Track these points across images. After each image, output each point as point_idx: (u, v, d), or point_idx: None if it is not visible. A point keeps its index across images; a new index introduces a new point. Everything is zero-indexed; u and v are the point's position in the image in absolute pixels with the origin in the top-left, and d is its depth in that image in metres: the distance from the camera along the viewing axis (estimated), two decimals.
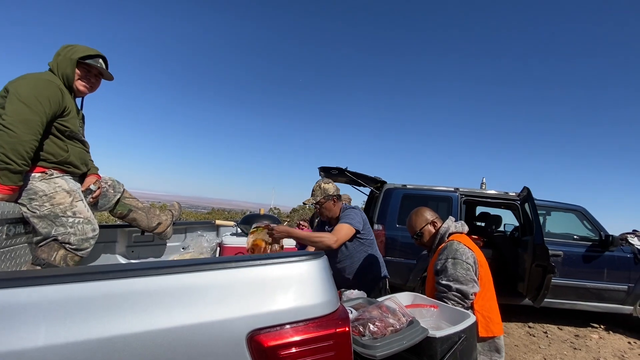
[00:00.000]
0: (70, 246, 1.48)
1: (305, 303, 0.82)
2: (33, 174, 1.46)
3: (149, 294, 0.72)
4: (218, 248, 2.27)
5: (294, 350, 0.78)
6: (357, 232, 2.08)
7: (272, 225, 2.04)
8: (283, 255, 0.86)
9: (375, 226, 4.09)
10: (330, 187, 2.19)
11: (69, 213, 1.49)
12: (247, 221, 2.32)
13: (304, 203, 2.58)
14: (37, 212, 1.43)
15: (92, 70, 1.70)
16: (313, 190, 2.24)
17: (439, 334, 1.07)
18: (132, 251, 2.31)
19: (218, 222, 2.55)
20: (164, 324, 0.70)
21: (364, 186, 4.62)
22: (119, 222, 2.09)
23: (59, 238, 1.46)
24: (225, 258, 0.82)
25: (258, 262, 0.81)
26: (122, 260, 2.26)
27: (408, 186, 4.26)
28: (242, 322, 0.75)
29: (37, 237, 1.48)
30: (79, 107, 1.76)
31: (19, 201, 1.43)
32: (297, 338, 0.78)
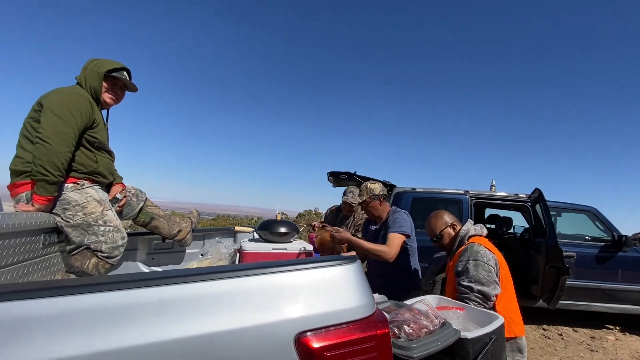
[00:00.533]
0: (102, 254, 1.52)
1: (346, 306, 0.85)
2: (66, 185, 1.51)
3: (201, 299, 0.75)
4: (238, 254, 2.30)
5: (338, 351, 0.80)
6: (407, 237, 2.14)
7: (334, 231, 2.21)
8: (322, 259, 0.89)
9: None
10: (377, 187, 2.24)
11: (100, 222, 1.53)
12: (266, 227, 2.34)
13: (351, 203, 2.65)
14: (71, 221, 1.48)
15: (118, 83, 1.75)
16: (360, 190, 2.29)
17: (470, 335, 1.09)
18: (153, 258, 2.35)
19: (237, 228, 2.58)
20: (219, 327, 0.73)
21: None
22: (133, 229, 2.14)
23: (92, 246, 1.50)
24: (269, 263, 0.86)
25: (300, 266, 0.85)
26: (144, 268, 2.29)
27: (418, 189, 4.28)
28: (290, 325, 0.78)
29: (70, 245, 1.53)
30: (105, 119, 1.81)
31: (54, 211, 1.48)
32: (341, 340, 0.81)
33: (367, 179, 4.40)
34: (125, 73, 1.77)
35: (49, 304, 0.66)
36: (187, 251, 2.47)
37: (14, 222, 1.20)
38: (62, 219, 1.48)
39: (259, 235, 2.38)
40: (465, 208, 4.11)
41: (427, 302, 1.16)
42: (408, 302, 1.34)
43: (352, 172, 4.30)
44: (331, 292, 0.85)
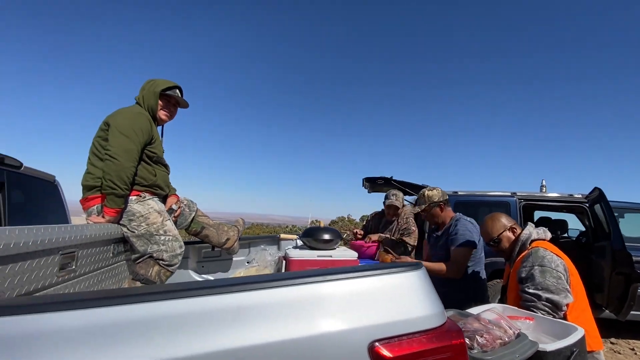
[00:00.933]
0: (163, 262, 1.60)
1: (417, 314, 0.82)
2: (130, 197, 1.61)
3: (277, 305, 0.75)
4: (284, 262, 2.33)
5: None
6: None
7: (396, 257, 2.26)
8: (389, 265, 0.87)
9: (426, 236, 3.97)
10: (435, 193, 2.17)
11: (160, 232, 1.62)
12: (310, 234, 2.35)
13: (397, 205, 2.57)
14: (136, 231, 1.58)
15: (171, 100, 1.86)
16: (417, 198, 2.24)
17: (549, 347, 1.00)
18: (202, 266, 2.44)
19: (282, 235, 2.62)
20: (294, 333, 0.73)
21: (412, 195, 4.51)
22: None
23: (154, 255, 1.59)
24: (338, 269, 0.85)
25: (368, 272, 0.83)
26: (195, 275, 2.39)
27: (459, 193, 4.10)
28: (362, 333, 0.76)
29: (135, 254, 1.62)
30: (161, 134, 1.93)
31: (120, 222, 1.58)
32: (415, 350, 0.78)
33: (404, 184, 4.30)
34: (177, 91, 1.88)
35: (141, 309, 0.70)
36: (234, 259, 2.54)
37: (90, 233, 1.30)
38: (128, 229, 1.58)
39: (303, 242, 2.40)
40: (513, 211, 3.87)
41: (497, 311, 1.09)
42: (472, 310, 1.27)
43: (389, 177, 4.22)
44: (400, 299, 0.83)
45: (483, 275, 2.15)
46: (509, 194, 3.98)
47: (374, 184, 4.57)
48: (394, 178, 4.25)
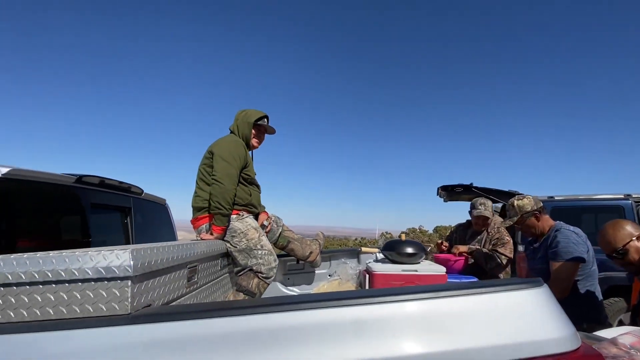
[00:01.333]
0: (261, 275, 1.76)
1: (547, 336, 0.76)
2: (232, 216, 1.82)
3: (397, 321, 0.76)
4: (366, 275, 2.33)
5: None
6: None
7: None
8: (510, 281, 0.82)
9: (520, 247, 3.58)
10: (526, 202, 1.97)
11: (258, 246, 1.78)
12: (391, 247, 2.32)
13: (487, 215, 2.43)
14: (238, 247, 1.77)
15: (262, 129, 2.07)
16: (507, 210, 2.08)
17: None
18: (288, 279, 2.57)
19: (364, 249, 2.64)
20: (410, 351, 0.73)
21: (497, 202, 4.14)
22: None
23: (254, 268, 1.76)
24: (458, 285, 0.83)
25: (487, 289, 0.79)
26: (282, 288, 2.53)
27: (557, 198, 3.62)
28: (487, 354, 0.73)
29: (237, 267, 1.81)
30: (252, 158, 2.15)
31: (225, 239, 1.79)
32: None
33: (487, 191, 3.97)
34: (265, 120, 2.08)
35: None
36: (316, 272, 2.63)
37: (206, 249, 1.50)
38: (231, 245, 1.78)
39: (385, 255, 2.37)
40: (629, 217, 3.27)
41: (637, 334, 0.94)
42: (601, 333, 1.11)
43: (469, 184, 3.95)
44: (524, 319, 0.77)
45: (597, 292, 1.85)
46: (622, 196, 3.38)
47: (451, 192, 4.32)
48: (474, 185, 3.96)
